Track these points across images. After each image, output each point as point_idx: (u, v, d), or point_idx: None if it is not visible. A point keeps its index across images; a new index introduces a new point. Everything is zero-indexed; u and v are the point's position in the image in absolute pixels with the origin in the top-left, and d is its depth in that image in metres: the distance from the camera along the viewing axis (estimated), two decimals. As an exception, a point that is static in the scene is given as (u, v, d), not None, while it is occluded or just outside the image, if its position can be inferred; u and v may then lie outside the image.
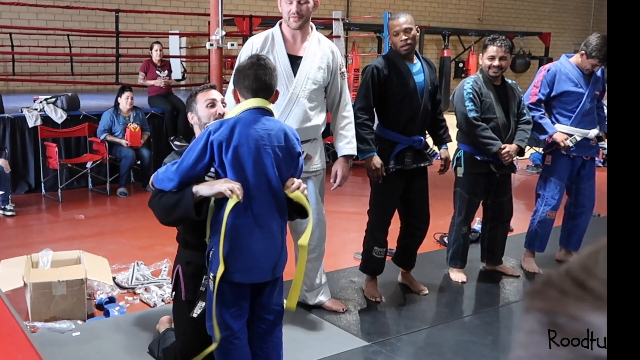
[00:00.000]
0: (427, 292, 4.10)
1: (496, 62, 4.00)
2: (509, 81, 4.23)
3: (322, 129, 3.55)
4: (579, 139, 4.34)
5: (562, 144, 4.29)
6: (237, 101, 2.66)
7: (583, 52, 4.26)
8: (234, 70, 2.76)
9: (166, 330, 3.28)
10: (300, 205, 2.63)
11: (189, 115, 2.95)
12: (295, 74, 3.40)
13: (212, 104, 2.85)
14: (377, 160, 3.67)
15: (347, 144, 3.55)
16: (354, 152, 3.58)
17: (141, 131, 7.10)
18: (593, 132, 4.37)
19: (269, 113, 2.61)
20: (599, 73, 4.39)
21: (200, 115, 2.87)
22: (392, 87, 3.71)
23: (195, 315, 2.70)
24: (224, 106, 2.88)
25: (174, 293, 2.92)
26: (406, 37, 3.69)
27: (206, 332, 2.75)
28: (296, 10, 3.33)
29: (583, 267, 0.45)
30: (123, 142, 6.90)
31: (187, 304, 2.79)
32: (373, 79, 3.69)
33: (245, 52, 3.43)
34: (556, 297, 0.44)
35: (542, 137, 4.39)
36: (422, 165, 3.88)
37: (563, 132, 4.35)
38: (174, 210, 2.54)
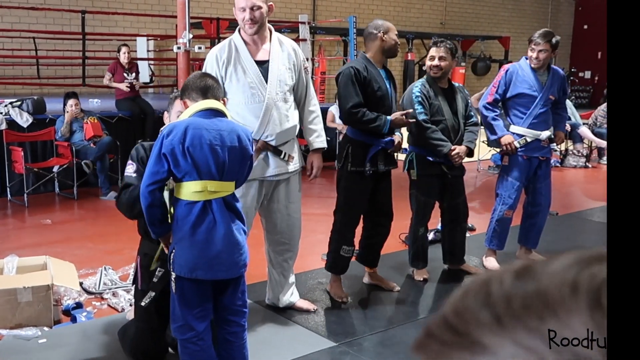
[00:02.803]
0: (398, 288, 4.20)
1: (435, 62, 4.15)
2: (456, 84, 4.35)
3: (298, 127, 3.62)
4: (529, 140, 4.47)
5: (506, 148, 4.43)
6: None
7: (528, 45, 4.42)
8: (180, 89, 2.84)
9: (133, 318, 3.36)
10: None
11: (165, 114, 3.06)
12: (266, 80, 3.43)
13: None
14: (395, 115, 3.80)
15: (317, 138, 3.66)
16: (324, 144, 3.69)
17: (99, 121, 7.07)
18: (545, 134, 4.48)
19: (221, 114, 2.67)
20: (561, 75, 4.51)
21: (172, 121, 2.94)
22: (368, 89, 3.78)
23: (143, 304, 2.87)
24: None
25: (134, 282, 3.15)
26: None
27: (157, 322, 3.03)
28: (250, 17, 3.36)
29: (455, 312, 0.45)
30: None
31: (142, 293, 2.99)
32: (353, 80, 3.73)
33: (210, 64, 3.45)
34: (438, 350, 0.44)
35: (492, 137, 4.52)
36: (392, 168, 3.99)
37: (516, 132, 4.47)
38: (135, 206, 2.72)
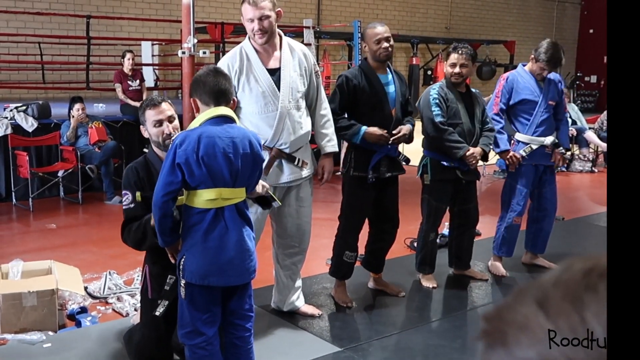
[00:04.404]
0: (404, 293, 4.17)
1: (457, 70, 4.12)
2: (474, 90, 4.34)
3: (310, 133, 3.60)
4: (534, 147, 4.45)
5: (510, 161, 4.42)
6: (197, 110, 2.70)
7: (532, 56, 4.40)
8: (191, 81, 2.78)
9: (138, 322, 3.34)
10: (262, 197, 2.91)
11: (142, 128, 3.01)
12: (278, 88, 3.41)
13: (159, 123, 2.89)
14: (373, 129, 3.73)
15: (328, 142, 3.65)
16: (336, 148, 3.68)
17: (104, 126, 7.08)
18: (548, 140, 4.47)
19: (231, 120, 2.66)
20: (555, 79, 4.50)
21: (150, 133, 2.93)
22: (362, 96, 3.78)
23: (158, 313, 2.84)
24: (172, 121, 2.93)
25: (141, 289, 3.12)
26: (387, 45, 3.79)
27: (164, 328, 2.98)
28: (259, 28, 3.33)
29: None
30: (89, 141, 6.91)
31: (152, 302, 2.95)
32: (342, 88, 3.78)
33: None
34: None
35: (496, 150, 4.49)
36: (396, 173, 3.97)
37: (521, 140, 4.46)
38: (144, 243, 2.88)
